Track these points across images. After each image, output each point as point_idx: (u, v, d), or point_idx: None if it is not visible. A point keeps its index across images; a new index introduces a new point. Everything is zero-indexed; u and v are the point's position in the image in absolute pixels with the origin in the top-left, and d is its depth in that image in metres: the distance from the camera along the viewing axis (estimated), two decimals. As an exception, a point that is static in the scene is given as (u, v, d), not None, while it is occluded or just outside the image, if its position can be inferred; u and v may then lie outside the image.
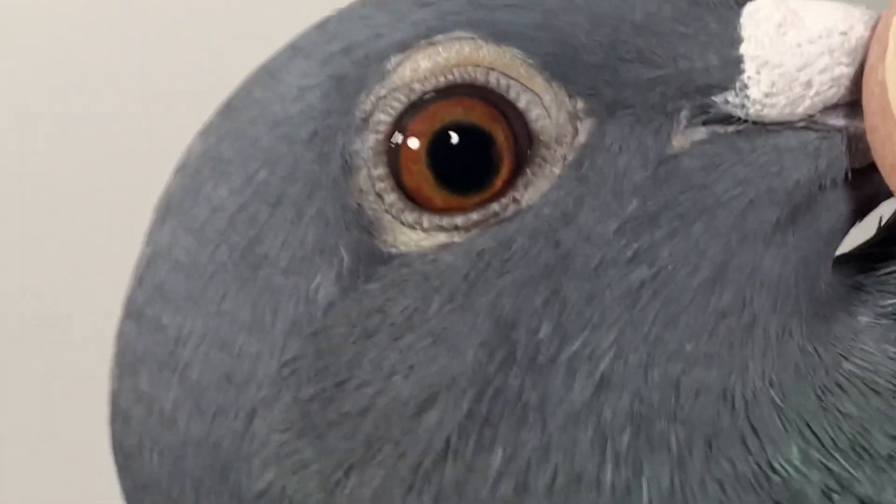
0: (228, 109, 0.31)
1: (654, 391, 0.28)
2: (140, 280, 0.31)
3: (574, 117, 0.29)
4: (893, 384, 0.29)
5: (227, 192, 0.30)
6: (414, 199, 0.29)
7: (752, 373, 0.29)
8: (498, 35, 0.29)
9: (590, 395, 0.28)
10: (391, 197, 0.29)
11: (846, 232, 0.31)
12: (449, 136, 0.29)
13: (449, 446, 0.28)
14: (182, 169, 0.31)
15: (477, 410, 0.28)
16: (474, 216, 0.29)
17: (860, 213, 0.31)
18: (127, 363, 0.31)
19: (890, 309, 0.30)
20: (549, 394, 0.28)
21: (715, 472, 0.28)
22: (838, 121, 0.30)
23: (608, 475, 0.28)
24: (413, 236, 0.29)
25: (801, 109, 0.29)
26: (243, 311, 0.29)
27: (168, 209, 0.31)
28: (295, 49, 0.31)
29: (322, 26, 0.31)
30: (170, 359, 0.30)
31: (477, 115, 0.29)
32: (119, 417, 0.31)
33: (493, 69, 0.29)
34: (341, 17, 0.31)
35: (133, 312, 0.31)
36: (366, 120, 0.29)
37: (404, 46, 0.29)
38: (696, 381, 0.28)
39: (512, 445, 0.28)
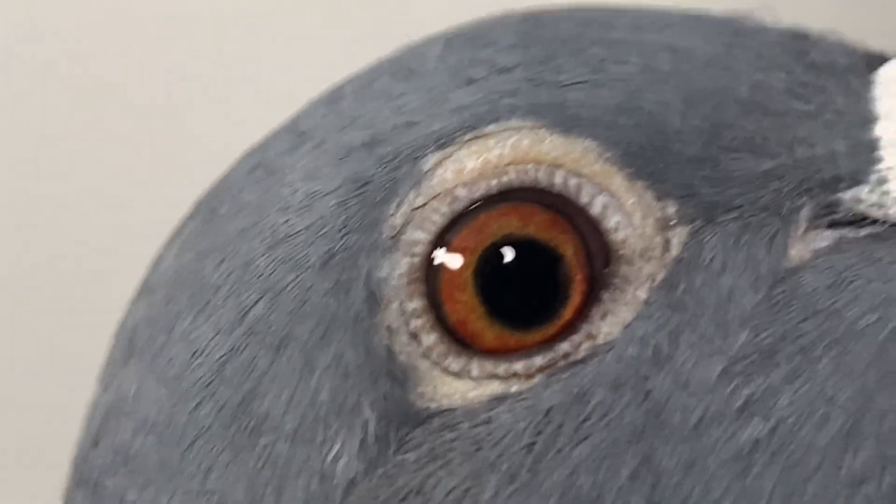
0: (210, 214, 0.25)
1: None
2: (96, 438, 0.25)
3: (664, 225, 0.24)
4: None
5: (212, 330, 0.24)
6: (459, 339, 0.24)
7: None
8: (566, 122, 0.24)
9: None
10: (430, 337, 0.24)
11: None
12: (502, 255, 0.23)
13: None
14: (148, 293, 0.25)
15: None
16: (538, 359, 0.23)
17: None
18: None
19: None
20: None
21: None
22: None
23: None
24: (459, 387, 0.23)
25: None
26: (236, 491, 0.24)
27: (132, 347, 0.25)
28: (299, 135, 0.25)
29: (334, 103, 0.25)
30: None
31: (538, 225, 0.24)
32: None
33: (559, 166, 0.24)
34: (358, 91, 0.25)
35: (86, 480, 0.25)
36: (396, 238, 0.24)
37: (445, 141, 0.24)
38: None
39: None
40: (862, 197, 0.24)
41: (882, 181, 0.24)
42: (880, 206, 0.24)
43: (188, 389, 0.24)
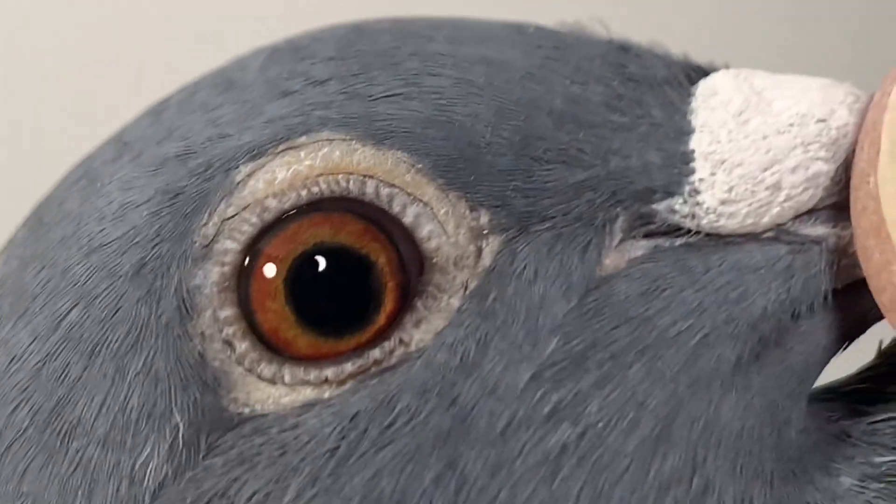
0: (37, 222, 0.26)
1: None
2: None
3: (477, 234, 0.24)
4: None
5: (29, 336, 0.25)
6: (272, 346, 0.24)
7: None
8: (377, 134, 0.24)
9: None
10: (243, 344, 0.24)
11: (825, 364, 0.26)
12: (314, 263, 0.24)
13: None
14: None
15: None
16: (349, 366, 0.24)
17: (843, 340, 0.26)
18: None
19: (883, 469, 0.25)
20: None
21: None
22: (815, 230, 0.25)
23: None
24: (272, 392, 0.24)
25: (768, 219, 0.25)
26: (49, 493, 0.24)
27: None
28: (121, 145, 0.26)
29: (157, 115, 0.26)
30: None
31: (349, 234, 0.24)
32: None
33: (370, 177, 0.24)
34: (181, 103, 0.26)
35: None
36: (208, 247, 0.24)
37: (257, 152, 0.24)
38: None
39: None
40: (676, 208, 0.24)
41: (694, 192, 0.24)
42: (693, 216, 0.24)
43: (6, 394, 0.24)
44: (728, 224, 0.24)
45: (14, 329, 0.24)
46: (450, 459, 0.23)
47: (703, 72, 0.26)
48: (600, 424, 0.24)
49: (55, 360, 0.24)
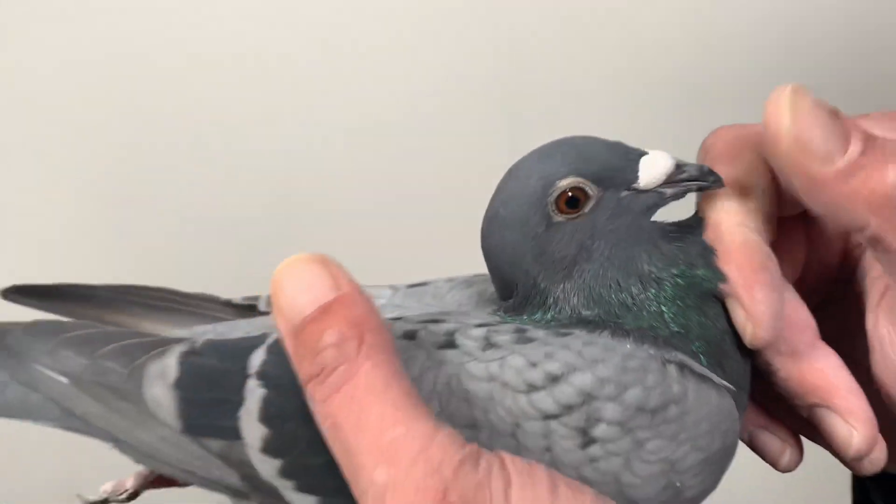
0: (505, 182, 0.70)
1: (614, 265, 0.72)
2: (495, 209, 0.74)
3: (598, 192, 0.70)
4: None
5: (520, 208, 0.70)
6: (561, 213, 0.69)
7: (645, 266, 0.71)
8: (585, 174, 0.69)
9: (604, 257, 0.72)
10: (558, 216, 0.70)
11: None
12: (570, 196, 0.70)
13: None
14: (499, 194, 0.72)
15: None
16: (576, 217, 0.70)
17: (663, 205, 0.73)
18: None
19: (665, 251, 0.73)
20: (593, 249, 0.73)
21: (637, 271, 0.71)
22: (668, 189, 0.72)
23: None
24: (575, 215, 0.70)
25: (654, 185, 0.71)
26: (520, 240, 0.73)
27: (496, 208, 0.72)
28: (511, 171, 0.70)
29: (532, 159, 0.70)
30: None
31: (576, 193, 0.69)
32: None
33: (583, 184, 0.69)
34: (538, 158, 0.70)
35: (492, 215, 0.75)
36: (549, 201, 0.69)
37: (559, 178, 0.69)
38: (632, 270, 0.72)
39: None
40: (636, 185, 0.71)
41: (639, 180, 0.72)
42: (640, 185, 0.71)
43: (517, 217, 0.72)
44: (647, 187, 0.70)
45: (516, 204, 0.72)
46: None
47: (643, 153, 0.69)
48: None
49: (530, 210, 0.73)
